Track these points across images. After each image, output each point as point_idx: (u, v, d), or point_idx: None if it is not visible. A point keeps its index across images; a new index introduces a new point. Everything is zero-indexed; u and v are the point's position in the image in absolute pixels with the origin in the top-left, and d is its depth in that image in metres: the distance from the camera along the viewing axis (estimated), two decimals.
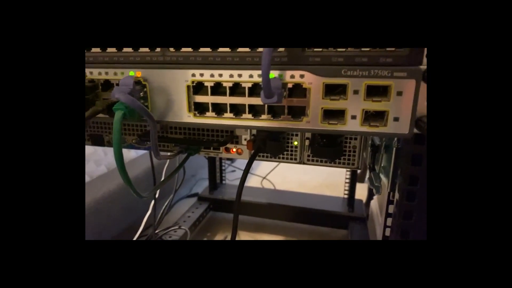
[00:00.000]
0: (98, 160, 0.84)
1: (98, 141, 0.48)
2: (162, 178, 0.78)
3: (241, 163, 1.41)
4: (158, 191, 0.74)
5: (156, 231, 0.78)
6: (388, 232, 0.36)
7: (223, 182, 1.07)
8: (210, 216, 0.99)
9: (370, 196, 1.01)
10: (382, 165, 0.37)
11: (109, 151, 0.88)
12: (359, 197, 0.97)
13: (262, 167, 1.26)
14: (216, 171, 1.01)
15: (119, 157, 0.24)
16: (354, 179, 0.94)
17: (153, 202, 0.73)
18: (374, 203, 0.95)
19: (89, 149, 0.82)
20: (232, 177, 1.27)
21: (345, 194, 0.98)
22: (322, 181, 1.29)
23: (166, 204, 0.78)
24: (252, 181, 1.25)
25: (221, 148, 0.43)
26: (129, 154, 0.94)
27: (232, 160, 1.42)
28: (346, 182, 0.96)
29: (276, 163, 1.07)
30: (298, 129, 0.23)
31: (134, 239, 0.73)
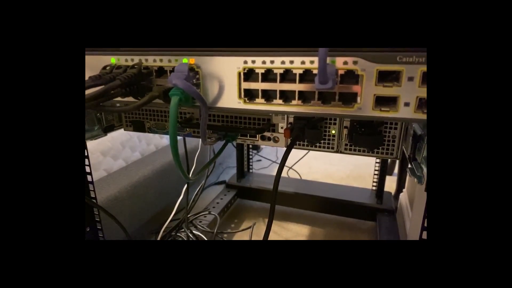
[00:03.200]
0: (133, 147, 0.87)
1: (140, 127, 0.51)
2: (194, 164, 0.81)
3: (267, 152, 1.42)
4: (191, 174, 0.76)
5: (188, 215, 0.81)
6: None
7: (250, 170, 1.08)
8: (237, 203, 1.02)
9: (399, 189, 0.99)
10: (424, 155, 0.36)
11: (143, 138, 0.91)
12: (387, 189, 0.96)
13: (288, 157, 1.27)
14: (243, 160, 1.03)
15: (173, 141, 0.25)
16: (383, 171, 0.92)
17: (185, 187, 0.76)
18: (403, 196, 0.94)
19: (124, 136, 0.86)
20: (258, 166, 1.28)
21: (373, 186, 0.96)
22: (349, 173, 1.28)
23: (198, 189, 0.81)
24: None
25: (257, 135, 0.44)
26: (161, 141, 0.97)
27: (258, 149, 1.43)
28: (375, 174, 0.94)
29: (303, 153, 1.07)
30: (349, 116, 0.24)
31: (167, 222, 0.76)
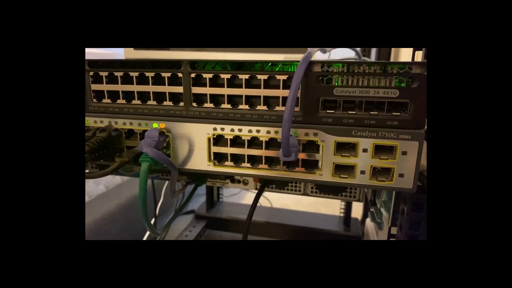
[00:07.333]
0: (97, 180, 0.84)
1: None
2: (162, 198, 0.79)
3: None
4: (158, 208, 0.74)
5: None
6: None
7: (220, 199, 1.08)
8: (207, 235, 1.00)
9: (365, 214, 1.04)
10: (383, 199, 0.39)
11: None
12: (354, 215, 1.00)
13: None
14: (213, 189, 1.02)
15: (143, 204, 0.25)
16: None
17: (153, 220, 0.74)
18: (369, 221, 0.98)
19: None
20: (228, 193, 1.28)
21: (341, 212, 1.00)
22: (317, 198, 1.31)
23: (166, 223, 0.79)
24: (249, 198, 1.26)
25: (227, 179, 0.45)
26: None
27: None
28: (342, 201, 0.98)
29: None
30: (311, 181, 0.25)
31: None
